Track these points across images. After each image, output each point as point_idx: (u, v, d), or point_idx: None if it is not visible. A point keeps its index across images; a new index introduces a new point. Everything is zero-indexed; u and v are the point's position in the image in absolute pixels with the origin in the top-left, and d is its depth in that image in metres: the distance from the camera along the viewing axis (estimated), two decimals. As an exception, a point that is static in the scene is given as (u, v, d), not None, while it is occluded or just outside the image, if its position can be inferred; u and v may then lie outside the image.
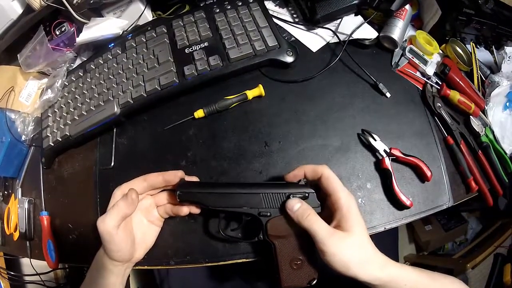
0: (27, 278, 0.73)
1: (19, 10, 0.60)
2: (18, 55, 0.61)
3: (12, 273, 0.72)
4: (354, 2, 0.54)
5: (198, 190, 0.41)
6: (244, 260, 0.45)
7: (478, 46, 0.61)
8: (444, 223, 1.18)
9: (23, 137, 0.59)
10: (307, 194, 0.39)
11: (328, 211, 0.38)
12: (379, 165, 0.48)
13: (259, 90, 0.51)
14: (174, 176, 0.42)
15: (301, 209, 0.36)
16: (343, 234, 0.34)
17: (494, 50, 0.60)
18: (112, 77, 0.53)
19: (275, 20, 0.56)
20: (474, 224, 1.21)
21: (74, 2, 0.55)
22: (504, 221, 1.10)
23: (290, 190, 0.39)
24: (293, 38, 0.57)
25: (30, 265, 0.61)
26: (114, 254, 0.39)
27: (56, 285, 0.86)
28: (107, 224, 0.37)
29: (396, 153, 0.47)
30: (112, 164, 0.51)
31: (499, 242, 1.03)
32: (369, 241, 0.35)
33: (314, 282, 0.38)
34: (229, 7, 0.55)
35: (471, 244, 1.13)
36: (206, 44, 0.52)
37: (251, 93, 0.51)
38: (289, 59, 0.51)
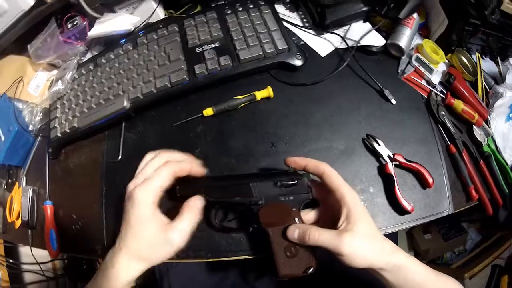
0: (25, 267, 0.73)
1: (31, 1, 0.60)
2: (28, 45, 0.61)
3: (11, 260, 0.72)
4: (363, 9, 0.55)
5: (195, 184, 0.42)
6: (246, 257, 0.45)
7: (484, 57, 0.62)
8: (444, 232, 1.17)
9: (30, 127, 0.60)
10: (296, 181, 0.40)
11: (332, 206, 0.39)
12: (382, 170, 0.48)
13: (267, 92, 0.52)
14: (198, 171, 0.42)
15: (300, 233, 0.37)
16: (352, 231, 0.35)
17: (499, 61, 0.61)
18: (122, 72, 0.54)
19: (285, 24, 0.57)
20: (473, 235, 1.21)
21: (87, -4, 0.56)
22: (504, 233, 1.10)
23: (278, 177, 0.40)
24: (302, 42, 0.57)
25: (28, 255, 0.61)
26: (153, 255, 0.37)
27: (54, 276, 0.86)
28: (182, 230, 0.37)
29: (399, 158, 0.48)
30: (120, 157, 0.52)
31: (498, 253, 1.03)
32: (377, 229, 0.37)
33: (311, 270, 0.38)
34: (240, 9, 0.56)
35: (469, 255, 1.13)
36: (217, 44, 0.53)
37: (259, 94, 0.51)
38: (298, 62, 0.52)
